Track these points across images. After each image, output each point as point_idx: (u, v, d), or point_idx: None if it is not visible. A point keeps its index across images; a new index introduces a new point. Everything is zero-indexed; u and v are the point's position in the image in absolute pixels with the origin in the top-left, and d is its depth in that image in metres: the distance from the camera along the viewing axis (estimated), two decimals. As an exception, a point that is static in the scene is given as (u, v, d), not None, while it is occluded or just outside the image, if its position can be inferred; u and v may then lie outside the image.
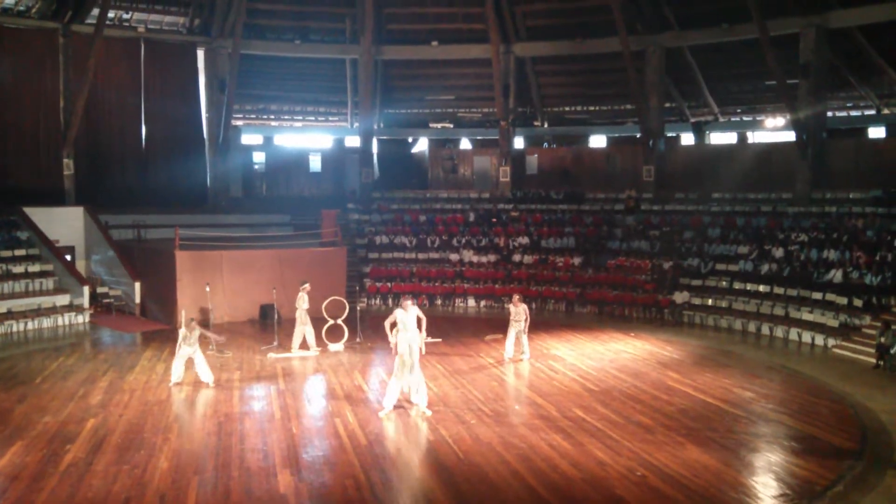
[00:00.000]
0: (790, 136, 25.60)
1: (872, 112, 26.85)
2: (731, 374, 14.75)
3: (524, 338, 15.79)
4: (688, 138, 31.44)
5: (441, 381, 13.94)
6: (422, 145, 34.78)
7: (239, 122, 31.35)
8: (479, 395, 13.00)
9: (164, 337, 18.29)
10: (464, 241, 25.81)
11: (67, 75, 25.19)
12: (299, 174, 31.98)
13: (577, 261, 23.92)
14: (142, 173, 27.45)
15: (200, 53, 28.33)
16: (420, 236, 26.20)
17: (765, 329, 18.98)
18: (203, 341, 14.12)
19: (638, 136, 28.79)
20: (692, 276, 21.89)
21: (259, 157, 32.13)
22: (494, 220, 26.97)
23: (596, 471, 9.43)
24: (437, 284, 23.87)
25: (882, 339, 15.19)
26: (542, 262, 24.30)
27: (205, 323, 17.94)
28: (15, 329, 19.08)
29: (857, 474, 9.36)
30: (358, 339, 17.57)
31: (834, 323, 17.65)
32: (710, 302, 20.86)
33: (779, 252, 20.88)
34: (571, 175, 30.01)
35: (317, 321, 16.80)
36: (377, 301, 23.64)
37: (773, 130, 28.26)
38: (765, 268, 20.65)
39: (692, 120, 30.56)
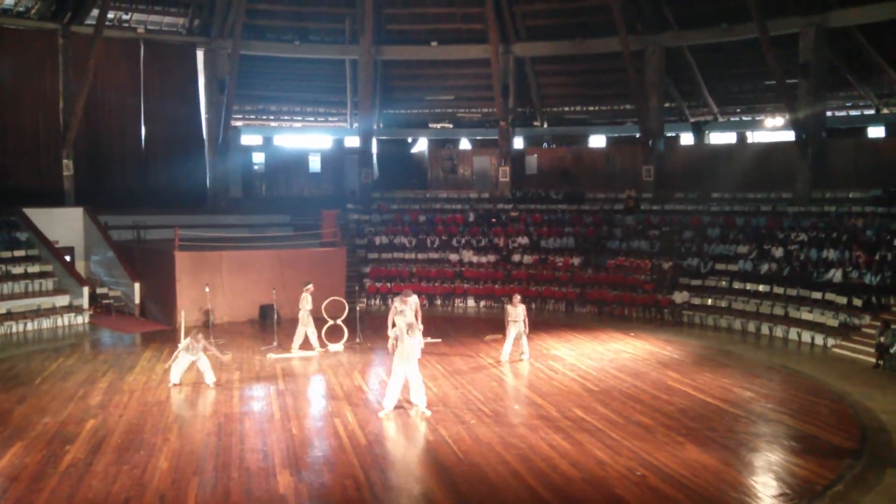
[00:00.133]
0: (790, 135, 25.60)
1: (872, 112, 26.83)
2: (731, 373, 14.75)
3: (524, 338, 15.75)
4: (687, 138, 31.44)
5: (441, 382, 13.94)
6: (421, 145, 34.78)
7: (238, 123, 31.36)
8: (478, 396, 13.00)
9: (163, 338, 18.28)
10: (463, 241, 25.79)
11: (67, 76, 25.18)
12: (299, 174, 31.96)
13: (576, 261, 23.91)
14: (141, 174, 27.44)
15: (200, 54, 28.33)
16: (420, 236, 26.18)
17: (764, 329, 18.98)
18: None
19: (637, 136, 28.76)
20: (692, 276, 21.89)
21: (259, 158, 32.11)
22: (494, 220, 26.94)
23: (596, 470, 9.43)
24: (436, 284, 23.87)
25: (881, 339, 15.19)
26: (542, 263, 24.29)
27: (205, 324, 17.93)
28: (14, 330, 19.07)
29: (856, 474, 9.36)
30: (358, 340, 17.57)
31: (833, 322, 17.66)
32: (709, 302, 20.86)
33: (778, 252, 20.88)
34: (571, 175, 29.99)
35: (317, 321, 16.79)
36: (377, 301, 23.64)
37: (773, 130, 28.25)
38: (764, 267, 20.65)
39: (692, 120, 30.56)
